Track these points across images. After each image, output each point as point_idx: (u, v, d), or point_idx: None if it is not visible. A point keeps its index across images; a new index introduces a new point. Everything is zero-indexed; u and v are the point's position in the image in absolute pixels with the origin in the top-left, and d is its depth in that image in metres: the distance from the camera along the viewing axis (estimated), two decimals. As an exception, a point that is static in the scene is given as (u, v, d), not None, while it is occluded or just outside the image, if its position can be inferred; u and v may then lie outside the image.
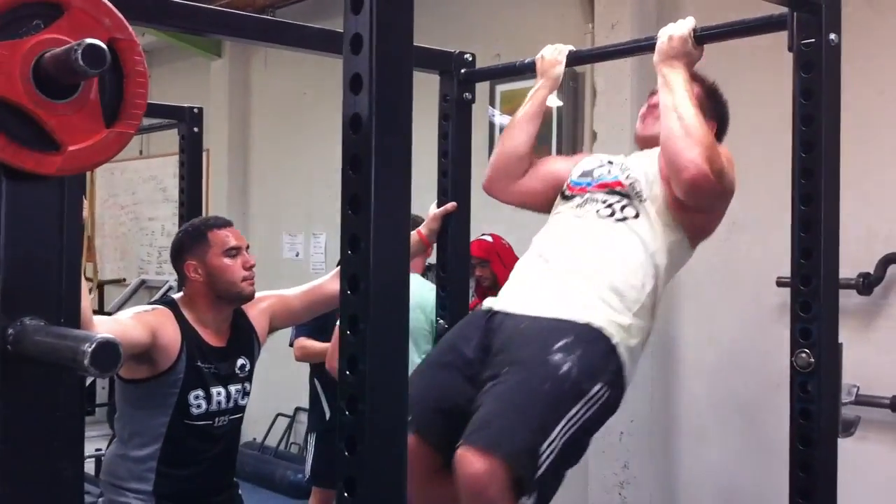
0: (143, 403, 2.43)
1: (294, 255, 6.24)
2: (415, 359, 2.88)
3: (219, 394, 2.47)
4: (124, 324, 2.30)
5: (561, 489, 1.94)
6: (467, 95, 2.61)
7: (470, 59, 2.62)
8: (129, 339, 2.22)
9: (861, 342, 3.37)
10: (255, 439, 6.14)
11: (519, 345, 1.98)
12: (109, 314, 5.98)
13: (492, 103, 4.57)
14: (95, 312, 6.70)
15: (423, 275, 3.44)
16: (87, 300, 2.02)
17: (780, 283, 3.43)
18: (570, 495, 1.96)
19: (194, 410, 2.42)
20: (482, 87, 3.16)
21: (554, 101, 4.11)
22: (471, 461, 1.78)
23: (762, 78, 3.65)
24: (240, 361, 2.54)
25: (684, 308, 4.02)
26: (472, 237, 2.79)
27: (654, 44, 2.21)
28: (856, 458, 3.09)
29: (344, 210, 1.12)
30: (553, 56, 2.48)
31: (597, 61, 3.78)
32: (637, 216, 2.16)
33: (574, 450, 1.92)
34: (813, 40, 1.92)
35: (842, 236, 1.96)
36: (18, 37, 0.83)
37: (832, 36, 1.91)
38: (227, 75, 6.62)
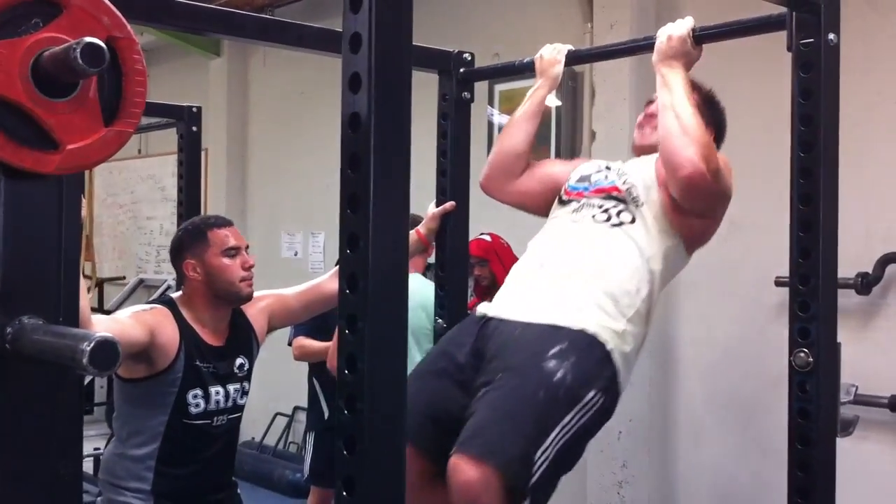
0: (141, 402, 2.43)
1: (293, 255, 6.24)
2: (416, 358, 2.88)
3: (217, 393, 2.47)
4: (123, 323, 2.30)
5: (559, 488, 1.94)
6: (466, 95, 2.61)
7: (469, 58, 2.62)
8: (128, 338, 2.22)
9: (860, 342, 3.37)
10: (253, 438, 6.14)
11: (513, 351, 1.97)
12: (109, 312, 5.98)
13: (491, 103, 4.57)
14: (94, 310, 6.69)
15: (424, 274, 3.43)
16: (86, 299, 2.02)
17: (778, 283, 3.43)
18: (568, 495, 1.97)
19: (193, 410, 2.42)
20: (481, 87, 3.16)
21: (553, 101, 4.11)
22: (464, 469, 1.77)
23: (761, 78, 3.65)
24: (238, 361, 2.54)
25: (683, 307, 4.03)
26: (471, 236, 2.79)
27: (653, 43, 2.21)
28: (854, 457, 3.10)
29: (343, 209, 1.12)
30: (552, 55, 2.48)
31: (596, 61, 3.78)
32: (633, 221, 2.15)
33: (568, 457, 1.91)
34: (812, 40, 1.92)
35: (840, 236, 1.96)
36: (17, 35, 0.83)
37: (831, 36, 1.91)
38: (225, 74, 6.62)
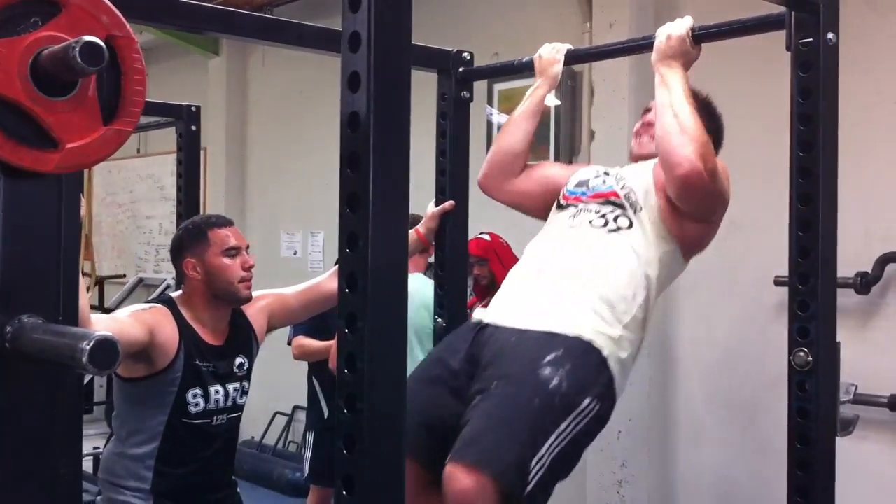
0: (140, 402, 2.43)
1: (292, 254, 6.24)
2: (419, 357, 2.88)
3: (217, 392, 2.47)
4: (122, 322, 2.30)
5: (559, 488, 1.94)
6: (465, 94, 2.62)
7: (468, 57, 2.62)
8: (127, 337, 2.22)
9: (859, 341, 3.37)
10: (253, 438, 6.14)
11: (508, 359, 1.95)
12: (110, 310, 5.98)
13: (490, 102, 4.57)
14: (94, 308, 6.66)
15: (425, 274, 3.43)
16: (85, 298, 2.02)
17: (777, 283, 3.43)
18: (568, 494, 1.96)
19: (192, 409, 2.42)
20: (480, 86, 3.16)
21: (552, 101, 4.11)
22: (459, 478, 1.76)
23: (760, 77, 3.66)
24: (238, 360, 2.54)
25: (682, 307, 4.03)
26: (470, 236, 2.79)
27: (652, 43, 2.21)
28: (854, 456, 3.10)
29: (342, 208, 1.11)
30: (551, 55, 2.48)
31: (595, 60, 3.78)
32: (630, 226, 2.15)
33: (564, 464, 1.90)
34: (811, 40, 1.92)
35: (839, 236, 1.96)
36: (16, 34, 0.83)
37: (830, 35, 1.91)
38: (224, 73, 6.62)
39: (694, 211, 2.15)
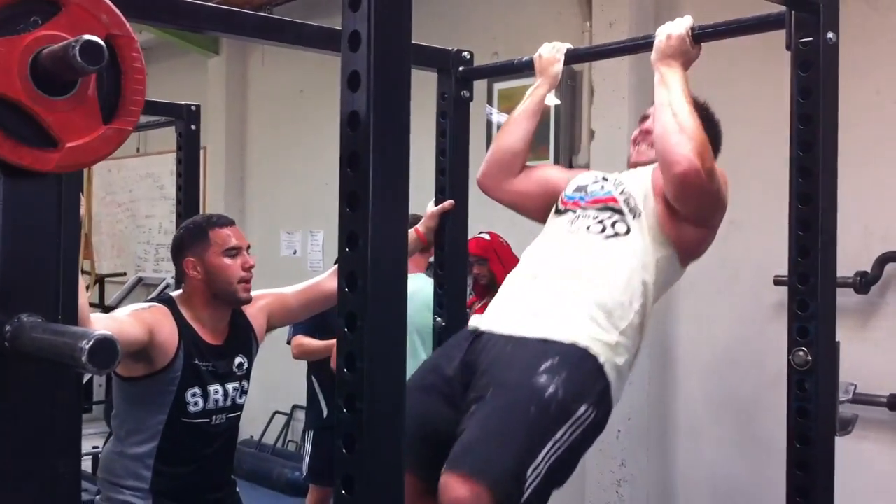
0: (140, 401, 2.42)
1: (291, 253, 6.24)
2: (422, 357, 2.88)
3: (216, 392, 2.46)
4: (121, 321, 2.30)
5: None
6: (465, 93, 2.61)
7: (468, 57, 2.62)
8: (126, 336, 2.22)
9: (858, 341, 3.37)
10: (252, 437, 6.14)
11: (504, 367, 1.95)
12: (111, 308, 5.98)
13: (490, 102, 4.57)
14: (95, 307, 6.65)
15: (426, 273, 3.43)
16: (85, 297, 2.02)
17: (777, 282, 3.43)
18: (567, 493, 1.96)
19: (191, 408, 2.42)
20: (480, 86, 3.16)
21: (552, 100, 4.11)
22: (454, 487, 1.75)
23: (760, 77, 3.66)
24: (237, 360, 2.54)
25: (682, 306, 4.03)
26: (470, 235, 2.79)
27: (652, 42, 2.20)
28: (853, 456, 3.10)
29: (342, 207, 1.11)
30: (551, 54, 2.48)
31: (595, 59, 3.78)
32: (628, 232, 2.14)
33: (561, 472, 1.89)
34: (811, 39, 1.92)
35: (839, 235, 1.96)
36: (16, 33, 0.83)
37: (830, 35, 1.91)
38: (224, 73, 6.62)
39: (691, 212, 2.14)
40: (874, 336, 3.47)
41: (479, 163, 2.57)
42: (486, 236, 4.01)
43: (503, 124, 2.58)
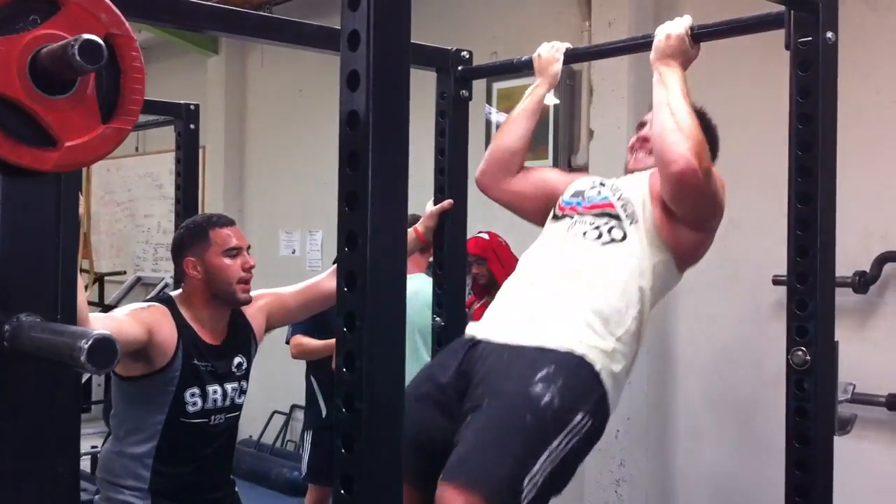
0: (139, 401, 2.42)
1: (290, 253, 6.24)
2: (424, 356, 2.88)
3: (215, 392, 2.46)
4: (120, 321, 2.30)
5: (557, 487, 1.94)
6: (464, 93, 2.61)
7: (467, 56, 2.62)
8: (125, 336, 2.22)
9: (857, 340, 3.38)
10: (251, 437, 6.14)
11: (500, 376, 1.94)
12: (111, 307, 5.98)
13: (489, 101, 4.57)
14: (94, 305, 6.63)
15: (426, 273, 3.43)
16: (84, 296, 2.02)
17: (776, 282, 3.44)
18: (565, 493, 1.96)
19: (190, 408, 2.42)
20: (479, 85, 3.17)
21: (551, 100, 4.11)
22: (451, 498, 1.74)
23: (759, 76, 3.66)
24: (237, 360, 2.54)
25: (680, 306, 4.03)
26: (469, 235, 2.79)
27: (651, 42, 2.20)
28: (852, 455, 3.10)
29: (341, 207, 1.11)
30: (550, 54, 2.48)
31: (594, 59, 3.78)
32: (624, 238, 2.13)
33: (558, 481, 1.88)
34: (810, 38, 1.92)
35: (838, 235, 1.96)
36: (15, 32, 0.83)
37: (829, 34, 1.91)
38: (223, 72, 6.62)
39: (688, 213, 2.13)
40: (873, 336, 3.47)
41: (477, 162, 2.57)
42: (485, 236, 4.01)
43: (503, 124, 2.58)
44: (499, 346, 2.02)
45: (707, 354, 4.02)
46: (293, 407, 5.95)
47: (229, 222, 2.56)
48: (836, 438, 2.00)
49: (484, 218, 3.37)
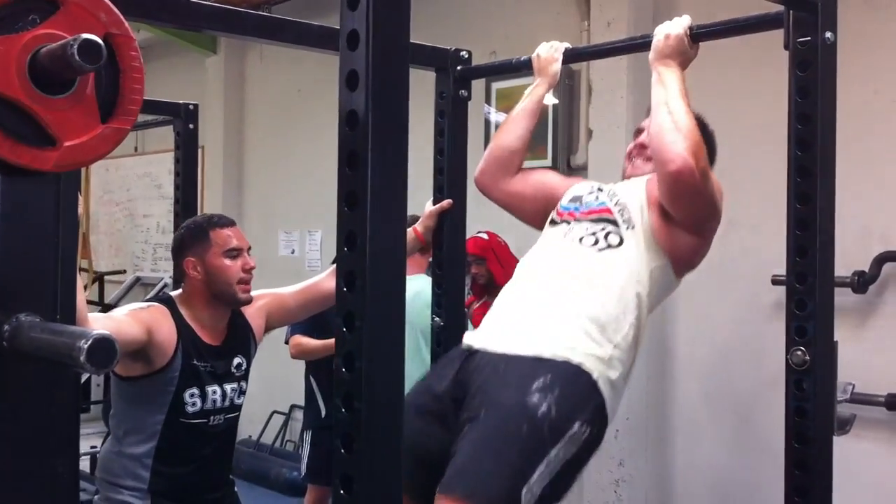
0: (138, 401, 2.42)
1: (290, 253, 6.24)
2: (425, 356, 2.88)
3: (214, 392, 2.46)
4: (120, 321, 2.30)
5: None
6: (463, 93, 2.61)
7: (466, 56, 2.62)
8: (125, 336, 2.21)
9: (856, 340, 3.38)
10: (250, 437, 6.14)
11: (497, 386, 1.93)
12: (111, 306, 5.98)
13: (488, 101, 4.57)
14: (94, 304, 6.63)
15: (426, 273, 3.43)
16: (83, 296, 2.01)
17: (775, 282, 3.44)
18: (565, 493, 1.96)
19: (189, 409, 2.41)
20: (478, 85, 3.16)
21: (550, 100, 4.11)
22: None
23: (758, 76, 3.66)
24: (236, 360, 2.54)
25: (679, 306, 4.03)
26: (468, 234, 2.78)
27: (650, 42, 2.20)
28: (851, 455, 3.10)
29: (340, 207, 1.11)
30: (549, 54, 2.48)
31: (593, 59, 3.78)
32: (621, 243, 2.13)
33: (556, 490, 1.87)
34: (809, 38, 1.92)
35: (837, 235, 1.96)
36: (14, 32, 0.83)
37: (828, 34, 1.91)
38: (222, 72, 6.62)
39: (685, 215, 2.13)
40: (872, 335, 3.47)
41: (477, 162, 2.57)
42: (485, 236, 4.01)
43: (502, 123, 2.58)
44: (496, 355, 2.00)
45: (706, 354, 4.02)
46: (292, 407, 5.95)
47: (230, 223, 2.56)
48: (835, 438, 2.00)
49: (483, 218, 3.37)
